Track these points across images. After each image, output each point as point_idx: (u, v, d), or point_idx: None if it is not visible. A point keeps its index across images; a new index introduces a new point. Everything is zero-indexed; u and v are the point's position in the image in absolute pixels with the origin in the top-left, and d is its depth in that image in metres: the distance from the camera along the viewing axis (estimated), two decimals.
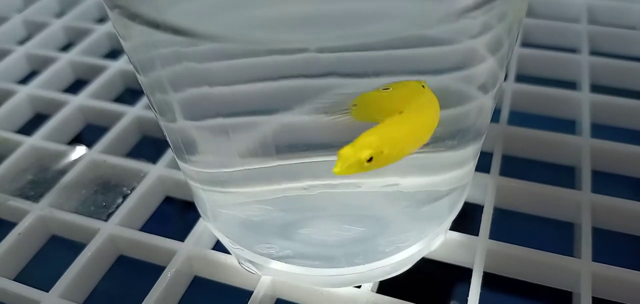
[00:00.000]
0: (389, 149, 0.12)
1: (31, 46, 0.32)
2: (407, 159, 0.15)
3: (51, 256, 0.22)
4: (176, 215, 0.24)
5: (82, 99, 0.28)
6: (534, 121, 0.24)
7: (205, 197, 0.17)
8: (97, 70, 0.30)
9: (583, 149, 0.23)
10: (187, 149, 0.16)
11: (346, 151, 0.12)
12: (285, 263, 0.17)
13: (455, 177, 0.17)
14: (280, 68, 0.13)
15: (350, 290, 0.18)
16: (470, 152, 0.17)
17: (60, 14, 0.36)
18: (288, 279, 0.18)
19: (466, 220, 0.20)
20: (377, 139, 0.12)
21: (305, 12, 0.13)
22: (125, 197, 0.22)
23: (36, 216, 0.22)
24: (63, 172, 0.24)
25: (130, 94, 0.29)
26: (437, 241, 0.19)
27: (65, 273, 0.19)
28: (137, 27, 0.13)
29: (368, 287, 0.18)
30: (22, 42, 0.33)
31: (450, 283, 0.21)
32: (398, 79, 0.14)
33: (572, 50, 0.29)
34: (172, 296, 0.19)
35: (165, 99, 0.15)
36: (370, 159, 0.12)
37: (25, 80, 0.31)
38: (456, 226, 0.19)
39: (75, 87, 0.30)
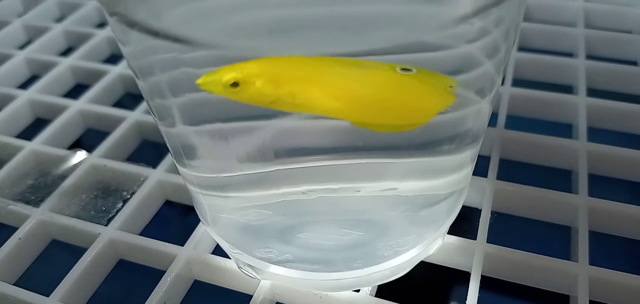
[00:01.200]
0: (266, 85, 0.11)
1: (31, 51, 0.32)
2: (405, 164, 0.16)
3: (51, 261, 0.22)
4: (176, 219, 0.24)
5: (82, 103, 0.28)
6: (531, 125, 0.25)
7: (205, 202, 0.18)
8: (97, 75, 0.30)
9: (580, 153, 0.23)
10: (187, 153, 0.16)
11: (221, 68, 0.11)
12: (285, 267, 0.17)
13: (453, 181, 0.17)
14: None
15: (349, 294, 0.18)
16: (467, 156, 0.17)
17: (60, 19, 0.36)
18: (287, 283, 0.18)
19: (464, 224, 0.20)
20: (255, 67, 0.11)
21: (303, 17, 0.13)
22: (125, 201, 0.22)
23: (36, 220, 0.22)
24: (63, 176, 0.24)
25: (130, 98, 0.29)
26: (435, 244, 0.19)
27: (66, 277, 0.19)
28: (136, 33, 0.13)
29: (367, 291, 0.18)
30: (22, 46, 0.33)
31: (449, 286, 0.21)
32: None
33: (569, 55, 0.29)
34: (172, 300, 0.19)
35: (165, 104, 0.15)
36: (235, 84, 0.11)
37: (25, 84, 0.31)
38: (454, 229, 0.19)
39: (75, 91, 0.30)
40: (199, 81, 0.12)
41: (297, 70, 0.12)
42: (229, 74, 0.11)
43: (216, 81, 0.11)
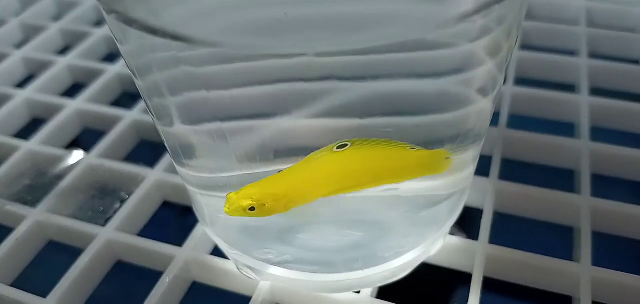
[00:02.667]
0: (271, 204, 0.14)
1: (28, 50, 0.32)
2: None
3: (49, 262, 0.22)
4: (174, 220, 0.24)
5: (79, 103, 0.28)
6: (533, 124, 0.24)
7: (204, 202, 0.17)
8: (95, 74, 0.30)
9: (582, 153, 0.23)
10: (185, 153, 0.16)
11: (232, 195, 0.14)
12: (284, 268, 0.17)
13: (455, 181, 0.17)
14: (278, 72, 0.13)
15: (349, 296, 0.18)
16: (469, 156, 0.17)
17: (57, 18, 0.36)
18: (287, 284, 0.18)
19: (465, 224, 0.20)
20: (258, 192, 0.14)
21: (303, 15, 0.12)
22: (123, 202, 0.22)
23: (33, 221, 0.22)
24: (60, 177, 0.23)
25: (127, 97, 0.29)
26: (437, 245, 0.19)
27: (63, 279, 0.19)
28: (134, 31, 0.13)
29: (367, 292, 0.18)
30: (19, 45, 0.33)
31: (450, 287, 0.20)
32: (395, 82, 0.14)
33: (571, 53, 0.29)
34: (170, 301, 0.19)
35: (163, 103, 0.15)
36: (252, 208, 0.14)
37: (22, 84, 0.31)
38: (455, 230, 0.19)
39: (72, 91, 0.30)
40: (225, 210, 0.14)
41: (282, 185, 0.14)
42: (244, 201, 0.14)
43: (239, 209, 0.14)
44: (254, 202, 0.14)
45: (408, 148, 0.14)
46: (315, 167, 0.14)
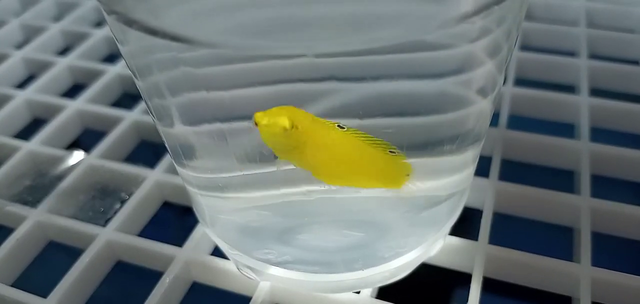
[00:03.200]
0: (302, 130, 0.13)
1: (29, 50, 0.32)
2: None
3: (49, 262, 0.22)
4: (174, 220, 0.24)
5: (80, 103, 0.28)
6: (533, 125, 0.24)
7: (204, 203, 0.17)
8: (95, 75, 0.30)
9: (582, 153, 0.23)
10: (185, 154, 0.16)
11: (262, 114, 0.13)
12: (284, 268, 0.17)
13: (454, 181, 0.17)
14: (278, 73, 0.13)
15: (349, 296, 0.18)
16: (469, 157, 0.17)
17: (58, 18, 0.36)
18: (287, 285, 0.18)
19: (465, 225, 0.20)
20: (290, 113, 0.13)
21: (303, 16, 0.12)
22: (123, 202, 0.22)
23: (34, 221, 0.22)
24: (61, 177, 0.23)
25: (128, 98, 0.29)
26: (437, 246, 0.19)
27: (63, 279, 0.19)
28: (134, 32, 0.13)
29: (367, 293, 0.18)
30: (19, 46, 0.33)
31: (450, 288, 0.20)
32: (395, 83, 0.14)
33: (571, 54, 0.29)
34: (170, 302, 0.19)
35: (163, 104, 0.15)
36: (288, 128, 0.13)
37: (22, 84, 0.31)
38: (455, 231, 0.19)
39: (73, 91, 0.30)
40: (263, 122, 0.13)
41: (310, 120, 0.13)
42: (282, 119, 0.13)
43: (274, 124, 0.13)
44: (289, 122, 0.13)
45: (388, 151, 0.14)
46: (327, 133, 0.14)
